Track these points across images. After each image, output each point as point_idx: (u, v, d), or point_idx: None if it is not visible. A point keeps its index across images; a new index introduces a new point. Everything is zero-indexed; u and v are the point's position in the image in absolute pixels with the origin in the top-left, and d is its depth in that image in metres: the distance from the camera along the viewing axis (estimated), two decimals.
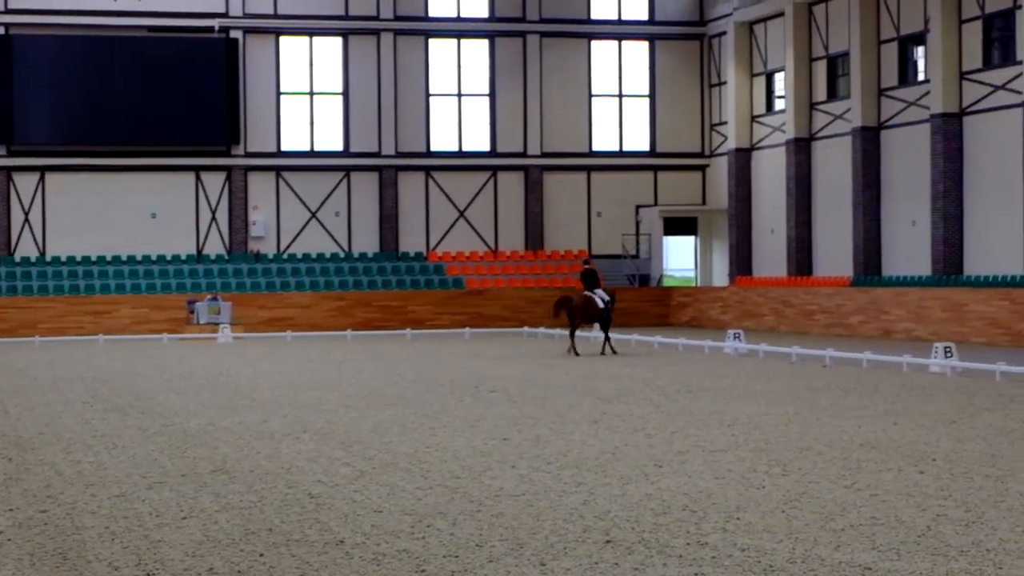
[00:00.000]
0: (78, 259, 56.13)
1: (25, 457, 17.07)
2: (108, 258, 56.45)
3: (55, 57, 56.02)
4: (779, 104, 56.50)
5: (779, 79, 56.48)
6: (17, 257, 55.85)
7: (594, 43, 61.40)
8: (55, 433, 19.71)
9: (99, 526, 12.25)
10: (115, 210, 57.06)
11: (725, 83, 59.57)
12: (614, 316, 39.88)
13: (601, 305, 38.30)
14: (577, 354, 37.22)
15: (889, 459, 16.01)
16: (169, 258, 56.96)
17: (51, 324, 52.15)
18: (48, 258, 56.05)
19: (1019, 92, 44.08)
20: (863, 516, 12.32)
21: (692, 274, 63.52)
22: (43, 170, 56.50)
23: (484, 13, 60.24)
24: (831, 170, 52.99)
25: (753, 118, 58.02)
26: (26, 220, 56.41)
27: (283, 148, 58.69)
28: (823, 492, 13.66)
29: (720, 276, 61.28)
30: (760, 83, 57.81)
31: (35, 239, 56.54)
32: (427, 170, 59.88)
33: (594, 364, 33.68)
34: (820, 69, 53.90)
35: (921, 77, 48.82)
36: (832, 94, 53.47)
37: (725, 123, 59.76)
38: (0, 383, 29.64)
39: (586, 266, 40.61)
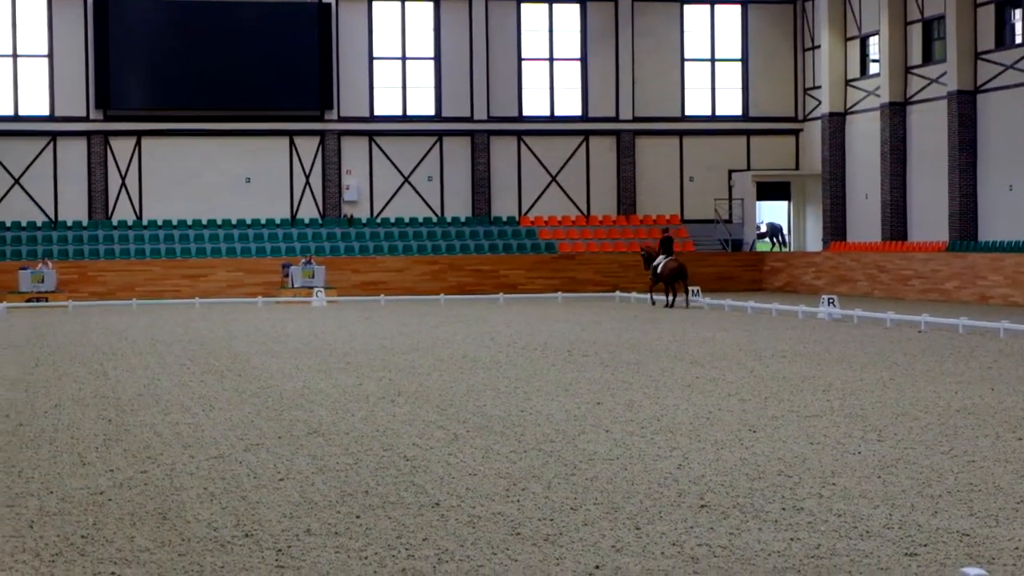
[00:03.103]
0: (174, 223, 56.68)
1: (124, 418, 17.30)
2: (203, 222, 56.97)
3: (151, 22, 56.46)
4: (873, 68, 55.93)
5: (873, 43, 55.89)
6: (114, 220, 56.47)
7: (686, 7, 61.02)
8: (153, 395, 19.95)
9: (198, 487, 12.41)
10: (209, 174, 57.54)
11: (819, 47, 59.04)
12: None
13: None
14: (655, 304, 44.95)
15: (986, 425, 15.89)
16: (263, 222, 57.38)
17: (148, 287, 52.70)
18: (145, 222, 56.61)
19: None
20: (960, 482, 12.25)
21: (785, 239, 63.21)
22: (139, 134, 57.02)
23: None
24: (926, 134, 52.44)
25: (847, 82, 57.49)
26: (123, 184, 56.99)
27: (376, 113, 58.86)
28: (919, 458, 13.58)
29: (814, 241, 60.88)
30: (854, 47, 57.23)
31: (132, 203, 57.12)
32: (519, 135, 59.87)
33: (686, 328, 33.59)
34: (915, 32, 53.30)
35: (1018, 40, 48.18)
36: (927, 58, 52.88)
37: (819, 87, 59.27)
38: (99, 345, 30.03)
39: (665, 234, 45.47)
